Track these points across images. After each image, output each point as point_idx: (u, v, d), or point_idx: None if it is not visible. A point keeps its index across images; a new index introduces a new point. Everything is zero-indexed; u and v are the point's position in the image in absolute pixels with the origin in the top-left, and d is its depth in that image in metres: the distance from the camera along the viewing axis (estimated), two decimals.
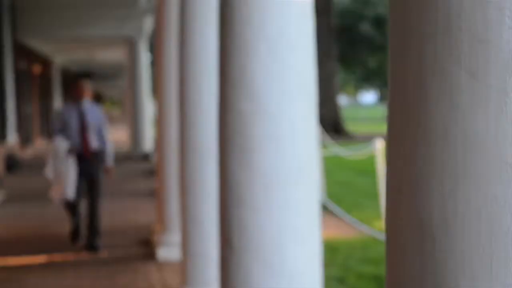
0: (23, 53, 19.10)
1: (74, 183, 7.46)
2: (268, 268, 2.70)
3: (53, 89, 27.40)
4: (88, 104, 7.58)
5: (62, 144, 7.45)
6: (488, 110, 1.14)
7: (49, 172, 7.55)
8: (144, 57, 19.68)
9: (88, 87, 7.65)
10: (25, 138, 19.27)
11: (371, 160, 15.28)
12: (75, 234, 7.78)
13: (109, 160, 7.69)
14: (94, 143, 7.50)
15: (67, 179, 7.43)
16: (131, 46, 19.83)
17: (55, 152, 7.48)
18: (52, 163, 7.53)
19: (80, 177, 7.51)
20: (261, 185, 2.70)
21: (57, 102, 28.13)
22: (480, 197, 1.13)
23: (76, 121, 7.45)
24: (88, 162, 7.49)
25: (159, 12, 7.69)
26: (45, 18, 17.48)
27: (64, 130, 7.53)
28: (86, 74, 29.65)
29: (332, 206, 9.05)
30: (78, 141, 7.44)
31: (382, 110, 52.42)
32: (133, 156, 18.25)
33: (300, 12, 2.77)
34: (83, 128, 7.46)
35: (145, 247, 7.56)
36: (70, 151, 7.37)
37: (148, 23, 18.84)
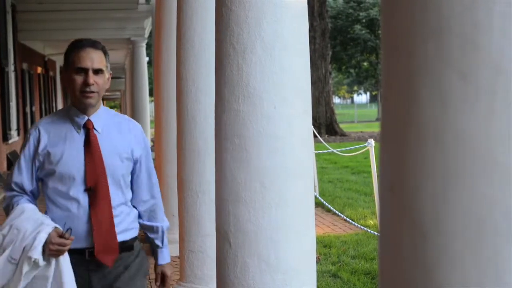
0: (25, 54, 19.10)
1: None
2: (264, 264, 2.73)
3: (55, 89, 27.47)
4: (103, 115, 3.00)
5: (31, 228, 2.79)
6: (478, 110, 1.14)
7: None
8: (144, 58, 19.74)
9: (99, 61, 2.93)
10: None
11: (364, 159, 15.32)
12: None
13: (166, 253, 3.26)
14: (125, 224, 3.02)
15: None
16: (131, 47, 19.88)
17: (15, 248, 2.76)
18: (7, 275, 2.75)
19: None
20: (257, 183, 2.72)
21: (60, 102, 28.15)
22: (470, 196, 1.13)
23: (77, 161, 2.91)
24: (106, 271, 2.99)
25: (158, 14, 7.71)
26: (46, 20, 17.50)
27: (38, 188, 3.04)
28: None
29: (326, 204, 9.06)
30: (82, 219, 2.91)
31: (376, 111, 52.45)
32: None
33: (295, 14, 2.80)
34: (95, 183, 2.91)
35: (145, 243, 7.56)
36: (53, 247, 2.76)
37: (148, 25, 18.91)
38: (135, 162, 3.06)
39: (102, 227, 2.94)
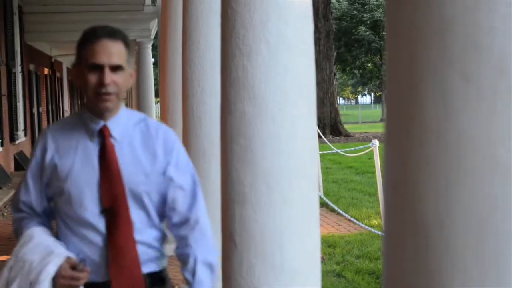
0: (32, 55, 19.15)
1: None
2: (270, 264, 2.74)
3: (62, 90, 27.54)
4: (124, 120, 2.48)
5: (41, 260, 2.34)
6: (480, 110, 1.14)
7: None
8: (150, 59, 19.77)
9: (118, 55, 2.38)
10: (34, 138, 19.34)
11: (368, 159, 15.32)
12: None
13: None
14: (153, 252, 2.51)
15: None
16: (137, 48, 19.91)
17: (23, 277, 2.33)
18: None
19: None
20: (262, 183, 2.73)
21: (66, 103, 28.17)
22: (472, 196, 1.13)
23: (89, 176, 2.43)
24: None
25: (163, 16, 7.73)
26: (52, 22, 17.54)
27: (51, 207, 2.55)
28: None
29: (331, 204, 9.07)
30: (99, 247, 2.43)
31: (380, 112, 52.42)
32: None
33: (299, 15, 2.80)
34: (112, 203, 2.41)
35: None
36: (64, 281, 2.33)
37: (153, 27, 18.95)
38: (166, 178, 2.49)
39: (121, 257, 2.42)
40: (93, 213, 2.42)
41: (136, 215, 2.46)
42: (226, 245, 2.84)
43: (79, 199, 2.42)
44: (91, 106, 2.45)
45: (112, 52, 2.37)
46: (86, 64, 2.38)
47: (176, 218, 2.53)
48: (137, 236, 2.46)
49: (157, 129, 2.51)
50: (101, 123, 2.45)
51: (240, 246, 2.77)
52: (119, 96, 2.42)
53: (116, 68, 2.38)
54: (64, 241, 2.47)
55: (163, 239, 2.57)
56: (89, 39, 2.40)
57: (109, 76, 2.36)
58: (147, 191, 2.46)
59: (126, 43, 2.43)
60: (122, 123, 2.48)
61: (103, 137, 2.45)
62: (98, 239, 2.43)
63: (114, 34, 2.40)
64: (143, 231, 2.48)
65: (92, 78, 2.37)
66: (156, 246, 2.53)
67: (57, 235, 2.52)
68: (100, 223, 2.43)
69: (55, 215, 2.54)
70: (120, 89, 2.41)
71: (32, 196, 2.52)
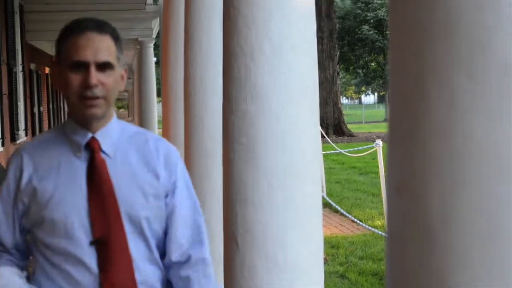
0: (33, 54, 19.20)
1: None
2: (272, 265, 2.73)
3: None
4: (116, 131, 2.10)
5: None
6: (486, 111, 1.14)
7: None
8: (152, 59, 19.83)
9: (107, 51, 2.00)
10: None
11: (372, 160, 15.33)
12: None
13: None
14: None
15: None
16: (139, 47, 19.96)
17: None
18: None
19: None
20: (265, 183, 2.73)
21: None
22: (478, 196, 1.13)
23: (76, 200, 1.99)
24: None
25: (166, 15, 7.74)
26: (54, 21, 17.55)
27: (25, 244, 2.11)
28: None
29: (334, 204, 9.08)
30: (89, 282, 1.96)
31: (384, 112, 52.53)
32: None
33: (302, 15, 2.80)
34: (106, 231, 1.98)
35: None
36: None
37: (155, 26, 19.00)
38: (169, 203, 2.14)
39: None
40: (82, 245, 1.98)
41: (134, 247, 2.04)
42: (228, 246, 2.83)
43: (64, 228, 1.98)
44: (75, 115, 2.03)
45: (99, 46, 1.99)
46: (68, 62, 1.99)
47: (176, 254, 2.14)
48: (137, 275, 2.03)
49: (156, 145, 2.18)
50: (88, 135, 2.04)
51: (242, 247, 2.76)
52: (108, 100, 2.01)
53: (103, 67, 1.99)
54: (45, 282, 2.03)
55: (165, 280, 2.15)
56: (72, 31, 2.01)
57: (95, 76, 1.96)
58: (146, 216, 2.05)
59: (116, 37, 2.08)
60: (115, 135, 2.07)
61: (92, 151, 2.03)
62: (88, 278, 1.98)
63: (102, 26, 2.04)
64: (144, 268, 2.06)
65: (75, 79, 1.96)
66: (157, 285, 2.10)
67: (33, 275, 2.09)
68: (91, 258, 1.98)
69: (32, 250, 2.10)
70: (109, 91, 2.00)
71: (2, 228, 2.08)
